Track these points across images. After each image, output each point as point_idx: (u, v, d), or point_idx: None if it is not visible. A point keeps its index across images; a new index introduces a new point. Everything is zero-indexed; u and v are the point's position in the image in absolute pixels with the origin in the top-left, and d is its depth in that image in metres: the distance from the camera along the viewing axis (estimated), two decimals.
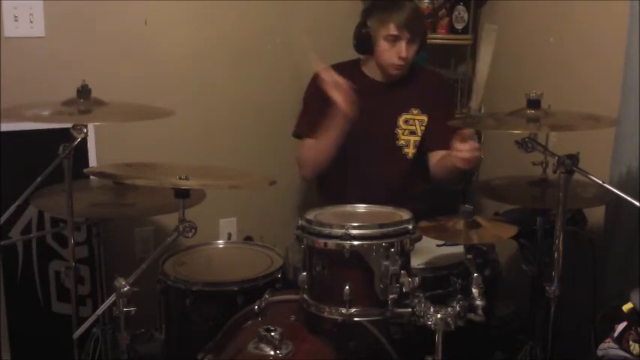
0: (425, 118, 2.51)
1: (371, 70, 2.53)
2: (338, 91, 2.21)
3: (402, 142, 2.51)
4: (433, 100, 2.51)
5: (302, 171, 2.61)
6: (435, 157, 2.49)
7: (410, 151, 2.52)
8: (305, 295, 1.75)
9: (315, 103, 2.46)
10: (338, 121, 2.28)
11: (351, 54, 2.59)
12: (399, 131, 2.50)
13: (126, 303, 1.68)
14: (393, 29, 2.36)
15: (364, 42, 2.44)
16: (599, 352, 1.75)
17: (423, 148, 2.53)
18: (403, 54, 2.37)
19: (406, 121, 2.51)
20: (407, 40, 2.37)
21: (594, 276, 2.23)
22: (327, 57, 2.61)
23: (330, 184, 2.62)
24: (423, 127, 2.52)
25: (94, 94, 1.97)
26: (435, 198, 2.63)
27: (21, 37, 2.47)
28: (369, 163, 2.51)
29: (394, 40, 2.38)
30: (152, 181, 1.94)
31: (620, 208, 2.26)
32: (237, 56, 2.86)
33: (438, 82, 2.67)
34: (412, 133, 2.51)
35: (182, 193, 1.77)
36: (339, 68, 2.50)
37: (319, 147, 2.42)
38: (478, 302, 1.72)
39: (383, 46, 2.40)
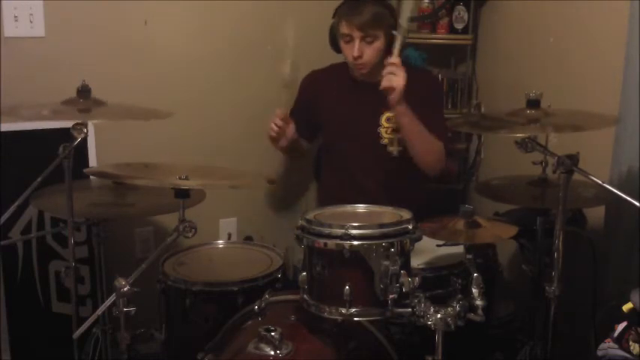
0: None
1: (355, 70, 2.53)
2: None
3: (386, 140, 2.49)
4: (418, 95, 2.36)
5: None
6: None
7: (394, 149, 2.48)
8: (305, 295, 1.75)
9: (298, 96, 2.67)
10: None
11: None
12: (382, 130, 2.48)
13: (126, 303, 1.68)
14: (344, 28, 2.36)
15: (332, 41, 2.47)
16: (599, 352, 1.75)
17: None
18: (355, 53, 2.36)
19: (388, 119, 2.47)
20: (360, 38, 2.35)
21: (594, 276, 2.23)
22: (326, 58, 2.62)
23: (327, 182, 2.67)
24: None
25: (94, 94, 1.97)
26: (430, 198, 2.61)
27: (21, 37, 2.46)
28: (355, 161, 2.53)
29: (349, 39, 2.37)
30: (152, 181, 1.94)
31: (620, 208, 2.26)
32: (238, 56, 2.86)
33: (427, 80, 2.63)
34: (396, 130, 2.47)
35: (182, 193, 1.77)
36: (330, 69, 2.60)
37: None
38: (478, 302, 1.72)
39: (342, 44, 2.42)
